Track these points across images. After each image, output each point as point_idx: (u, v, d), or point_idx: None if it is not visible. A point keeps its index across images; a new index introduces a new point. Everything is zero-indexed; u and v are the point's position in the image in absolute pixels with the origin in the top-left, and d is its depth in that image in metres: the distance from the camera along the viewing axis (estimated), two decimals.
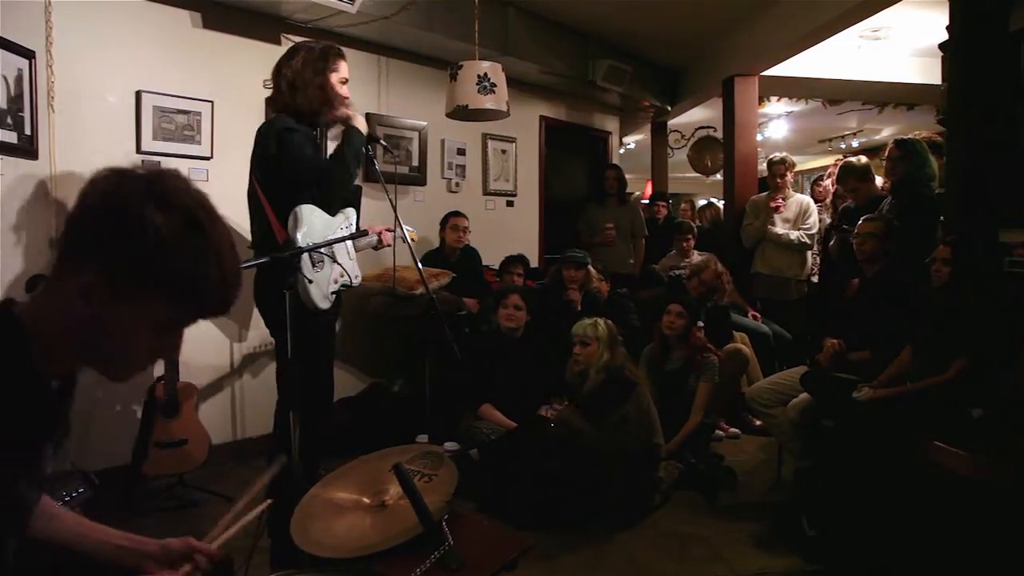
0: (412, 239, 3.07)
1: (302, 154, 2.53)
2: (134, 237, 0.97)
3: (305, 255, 2.48)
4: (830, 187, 6.05)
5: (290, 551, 1.58)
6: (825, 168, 8.04)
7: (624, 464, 3.29)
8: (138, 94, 3.75)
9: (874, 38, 6.23)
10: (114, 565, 1.29)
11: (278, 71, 2.66)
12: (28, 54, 3.21)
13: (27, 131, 3.20)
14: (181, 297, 1.03)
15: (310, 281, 2.48)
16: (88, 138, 3.56)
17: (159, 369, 3.64)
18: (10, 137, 3.08)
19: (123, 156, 3.71)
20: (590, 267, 4.88)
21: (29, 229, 3.23)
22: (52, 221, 3.43)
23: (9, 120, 3.07)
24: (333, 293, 2.68)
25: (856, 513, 2.83)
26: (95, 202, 1.01)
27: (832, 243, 4.70)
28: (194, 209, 1.03)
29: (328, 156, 2.71)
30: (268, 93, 2.81)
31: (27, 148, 3.21)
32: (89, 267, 0.99)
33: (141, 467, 3.37)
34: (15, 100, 3.11)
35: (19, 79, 3.14)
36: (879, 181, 4.97)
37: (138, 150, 3.76)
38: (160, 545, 1.31)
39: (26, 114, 3.19)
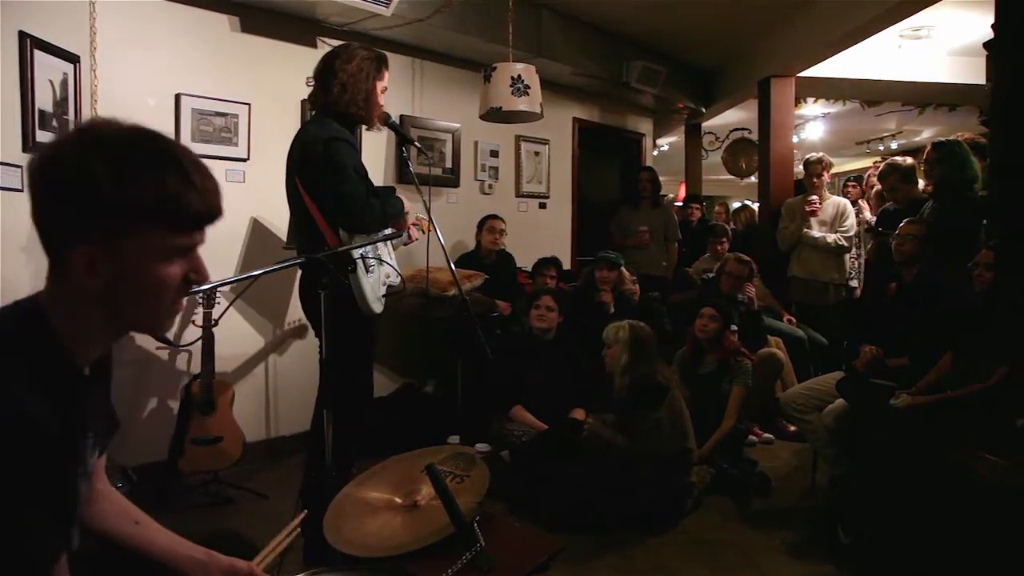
0: (425, 230, 3.10)
1: (352, 185, 2.54)
2: (94, 192, 0.96)
3: (359, 261, 2.51)
4: (872, 184, 5.93)
5: (322, 549, 1.60)
6: (864, 170, 7.90)
7: (656, 468, 3.27)
8: (177, 97, 3.82)
9: (915, 37, 6.11)
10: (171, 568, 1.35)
11: (331, 72, 2.64)
12: (73, 58, 3.28)
13: None
14: (167, 217, 1.01)
15: (365, 287, 2.52)
16: None
17: (195, 367, 3.71)
18: None
19: None
20: (623, 269, 4.86)
21: None
22: None
23: (55, 123, 3.14)
24: (383, 296, 2.71)
25: (892, 522, 2.78)
26: (42, 188, 0.99)
27: (870, 246, 4.62)
28: (128, 135, 1.03)
29: (374, 190, 2.70)
30: (305, 94, 2.83)
31: None
32: (77, 246, 0.98)
33: (177, 463, 3.43)
34: (60, 103, 3.18)
35: (64, 83, 3.21)
36: (921, 184, 4.86)
37: None
38: (230, 563, 1.37)
39: (70, 117, 3.26)
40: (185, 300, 1.12)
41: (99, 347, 1.10)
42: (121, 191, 0.96)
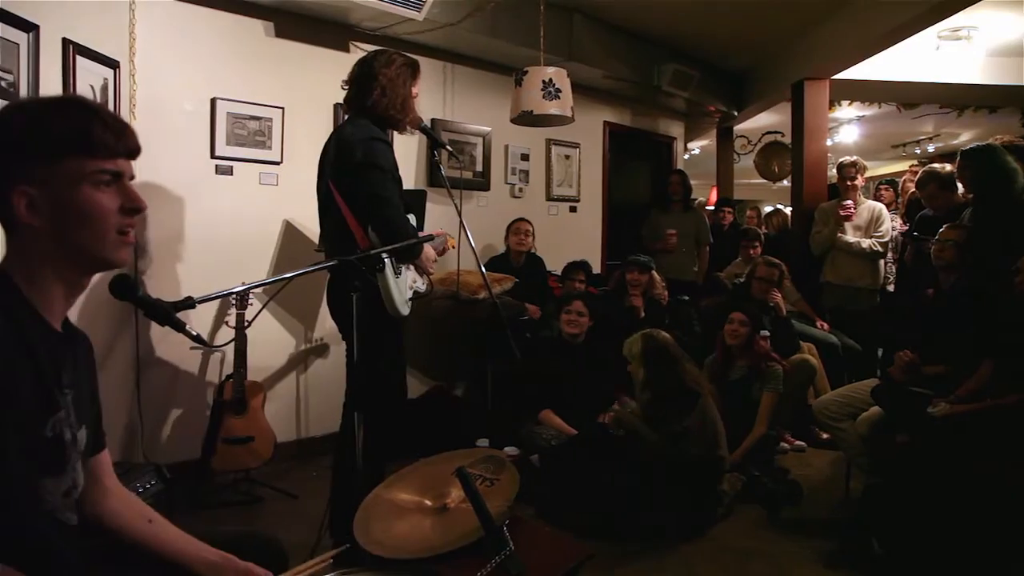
0: (451, 247, 3.11)
1: (390, 190, 2.57)
2: (8, 135, 1.11)
3: (388, 264, 2.52)
4: (907, 190, 5.82)
5: (352, 550, 1.60)
6: (900, 174, 7.77)
7: (686, 475, 3.24)
8: (213, 101, 3.88)
9: (954, 38, 5.98)
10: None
11: (371, 75, 2.67)
12: (113, 64, 3.35)
13: None
14: (80, 145, 1.14)
15: (393, 289, 2.54)
16: (166, 144, 3.70)
17: (228, 368, 3.75)
18: None
19: (198, 160, 3.85)
20: (654, 273, 4.83)
21: None
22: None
23: None
24: (410, 300, 2.73)
25: (928, 534, 2.71)
26: None
27: (907, 252, 4.53)
28: (38, 99, 1.19)
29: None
30: (338, 98, 2.86)
31: None
32: (14, 189, 1.11)
33: (210, 462, 3.48)
34: None
35: (104, 88, 3.28)
36: (961, 189, 4.75)
37: (212, 155, 3.89)
38: (246, 567, 1.39)
39: None
40: (134, 233, 1.23)
41: (63, 299, 1.21)
42: (32, 130, 1.11)
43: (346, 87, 2.76)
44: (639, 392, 3.52)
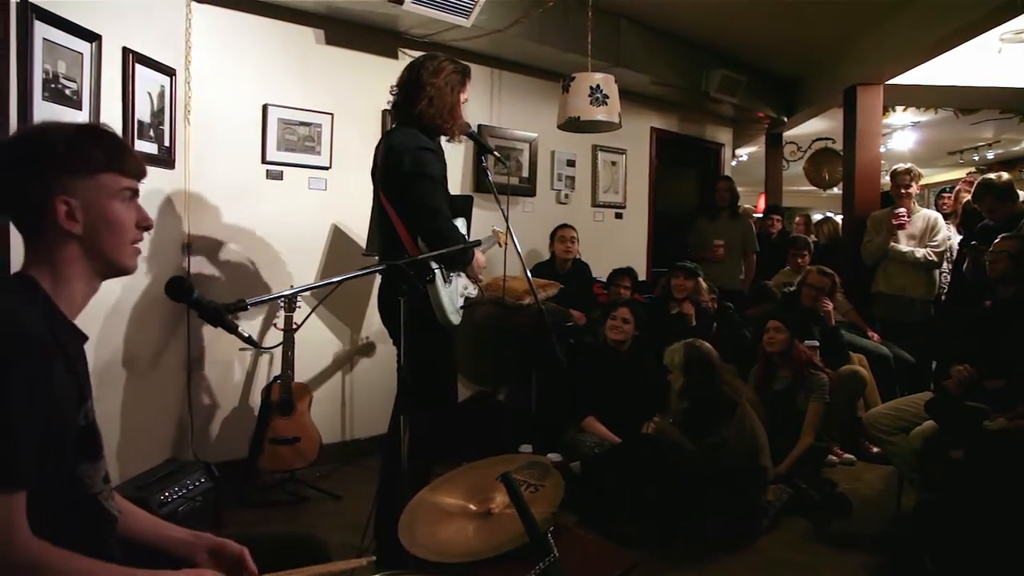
0: (502, 243, 3.11)
1: (439, 200, 2.56)
2: (59, 154, 1.24)
3: (438, 274, 2.53)
4: (961, 199, 5.65)
5: (396, 552, 1.61)
6: (954, 182, 7.54)
7: (729, 485, 3.18)
8: (264, 107, 3.96)
9: (1017, 40, 5.77)
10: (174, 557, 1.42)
11: (418, 84, 2.65)
12: (169, 72, 3.44)
13: (166, 143, 3.44)
14: (115, 165, 1.30)
15: (443, 299, 2.55)
16: (219, 149, 3.79)
17: (275, 369, 3.82)
18: (152, 148, 3.31)
19: (249, 165, 3.93)
20: (701, 280, 4.77)
21: (163, 234, 3.45)
22: (185, 226, 3.67)
23: (151, 133, 3.30)
24: (461, 307, 2.73)
25: (983, 552, 2.62)
26: (16, 172, 1.25)
27: (966, 263, 4.39)
28: (64, 126, 1.31)
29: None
30: (385, 104, 2.86)
31: (165, 158, 3.44)
32: (54, 201, 1.23)
33: (257, 461, 3.54)
34: (157, 114, 3.34)
35: (161, 95, 3.37)
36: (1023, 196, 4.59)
37: (263, 160, 3.96)
38: (219, 543, 1.44)
39: (165, 127, 3.42)
40: (142, 241, 1.39)
41: (81, 300, 1.32)
42: (76, 149, 1.26)
43: (395, 92, 2.75)
44: (676, 401, 3.48)
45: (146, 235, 1.38)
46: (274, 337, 3.86)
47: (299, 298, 3.76)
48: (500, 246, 3.48)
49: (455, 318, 2.66)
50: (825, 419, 4.00)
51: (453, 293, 2.67)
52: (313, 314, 3.86)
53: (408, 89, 2.68)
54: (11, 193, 1.26)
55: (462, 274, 2.77)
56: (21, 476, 1.09)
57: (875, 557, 3.03)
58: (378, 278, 2.80)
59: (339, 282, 1.98)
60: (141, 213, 1.36)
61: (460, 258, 2.60)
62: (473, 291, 2.84)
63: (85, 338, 1.32)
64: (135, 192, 1.36)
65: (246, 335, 1.49)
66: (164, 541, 1.44)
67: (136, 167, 1.36)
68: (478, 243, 2.70)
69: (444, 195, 2.61)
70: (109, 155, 1.30)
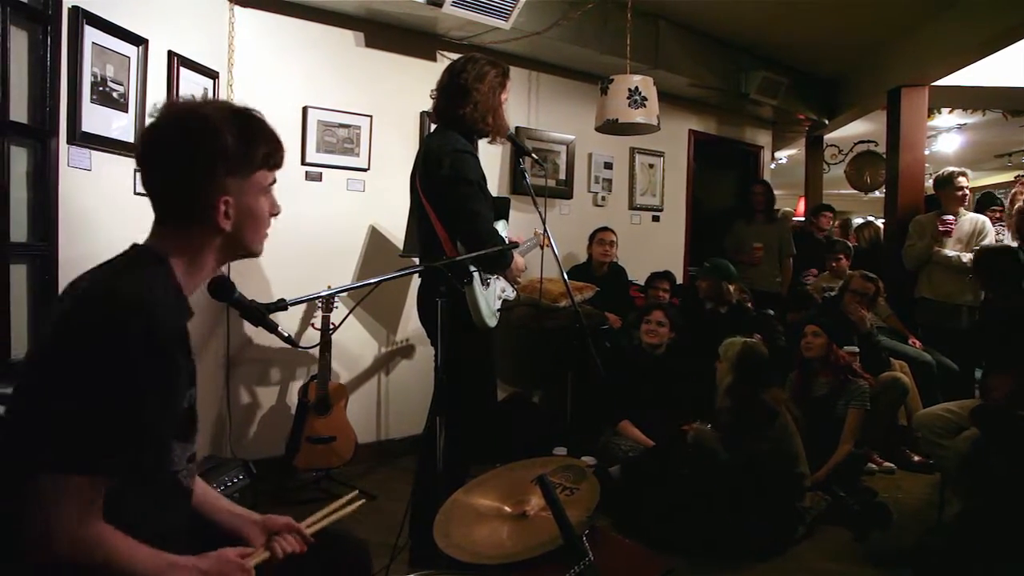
0: (543, 245, 3.10)
1: (480, 204, 2.54)
2: (229, 154, 1.26)
3: (476, 277, 2.54)
4: (1014, 202, 5.49)
5: (430, 552, 1.61)
6: (1002, 185, 7.34)
7: (766, 492, 3.14)
8: (304, 109, 4.01)
9: None
10: (223, 528, 1.48)
11: (462, 89, 2.62)
12: (213, 74, 3.50)
13: None
14: (270, 163, 1.35)
15: (480, 302, 2.55)
16: None
17: (313, 369, 3.86)
18: None
19: (289, 167, 3.97)
20: (726, 283, 4.70)
21: None
22: None
23: None
24: (498, 310, 2.73)
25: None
26: (187, 162, 1.25)
27: None
28: (234, 107, 1.34)
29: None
30: (424, 106, 2.86)
31: None
32: (219, 201, 1.26)
33: (293, 459, 3.57)
34: None
35: (204, 97, 3.43)
36: None
37: (303, 161, 4.01)
38: (264, 518, 1.50)
39: None
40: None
41: (203, 281, 1.35)
42: (244, 149, 1.28)
43: (434, 95, 2.72)
44: (720, 397, 3.43)
45: None
46: (311, 336, 3.90)
47: (337, 299, 3.79)
48: (541, 249, 3.47)
49: (491, 321, 2.65)
50: (865, 426, 3.92)
51: (490, 296, 2.66)
52: (351, 315, 3.89)
53: (450, 92, 2.65)
54: (178, 190, 1.27)
55: (500, 277, 2.76)
56: (111, 467, 1.11)
57: (914, 568, 2.96)
58: (417, 280, 2.80)
59: (377, 283, 1.99)
60: (273, 201, 1.39)
61: (499, 261, 2.58)
62: (511, 294, 2.83)
63: (192, 315, 1.35)
64: (274, 183, 1.39)
65: (286, 335, 1.51)
66: (236, 520, 1.50)
67: (283, 160, 1.39)
68: (515, 245, 2.70)
69: (485, 198, 2.60)
70: (268, 152, 1.33)
